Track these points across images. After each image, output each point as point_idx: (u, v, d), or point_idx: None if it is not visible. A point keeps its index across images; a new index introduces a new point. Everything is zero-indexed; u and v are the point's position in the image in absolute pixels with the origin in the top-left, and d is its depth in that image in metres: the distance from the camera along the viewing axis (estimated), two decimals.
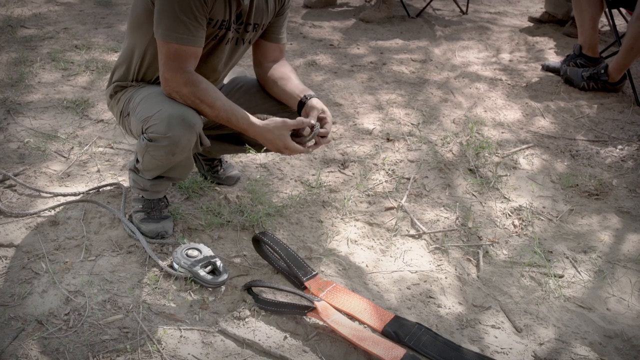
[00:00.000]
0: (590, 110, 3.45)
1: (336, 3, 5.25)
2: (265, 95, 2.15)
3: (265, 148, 2.18)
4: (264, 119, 1.95)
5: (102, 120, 2.95)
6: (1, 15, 4.35)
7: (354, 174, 2.69)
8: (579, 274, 2.15)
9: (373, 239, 2.26)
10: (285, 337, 1.76)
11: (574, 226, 2.42)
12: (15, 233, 2.10)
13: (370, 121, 3.16)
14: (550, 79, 3.83)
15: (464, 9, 5.28)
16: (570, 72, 3.71)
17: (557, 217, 2.47)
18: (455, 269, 2.13)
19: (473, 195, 2.58)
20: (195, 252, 1.95)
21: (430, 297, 1.98)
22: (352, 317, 1.85)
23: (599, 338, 1.86)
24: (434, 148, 2.91)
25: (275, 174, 2.63)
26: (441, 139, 3.00)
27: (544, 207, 2.52)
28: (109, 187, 2.40)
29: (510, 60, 4.21)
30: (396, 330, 1.79)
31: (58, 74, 3.44)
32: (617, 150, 3.01)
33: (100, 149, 2.70)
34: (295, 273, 1.95)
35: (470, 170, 2.76)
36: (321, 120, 1.99)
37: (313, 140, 1.98)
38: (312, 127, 1.94)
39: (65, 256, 2.01)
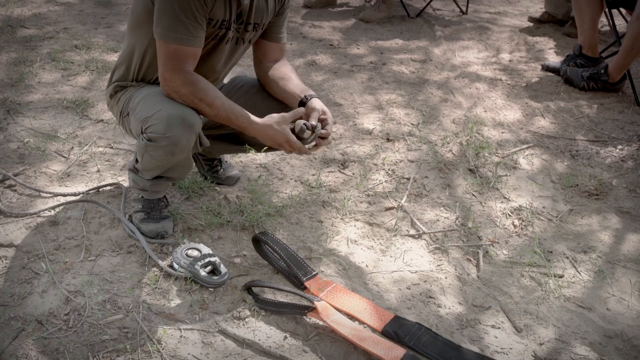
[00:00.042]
0: (590, 110, 3.45)
1: (336, 3, 5.25)
2: (265, 95, 2.15)
3: (265, 148, 2.19)
4: None
5: (102, 120, 2.95)
6: (1, 15, 4.35)
7: (353, 174, 2.69)
8: (579, 274, 2.15)
9: (373, 239, 2.26)
10: (285, 337, 1.76)
11: (574, 226, 2.42)
12: (15, 233, 2.10)
13: (370, 121, 3.16)
14: (550, 79, 3.83)
15: (463, 9, 5.28)
16: (570, 72, 3.71)
17: (557, 217, 2.47)
18: (455, 269, 2.13)
19: (473, 195, 2.58)
20: (195, 252, 1.95)
21: (430, 297, 1.98)
22: (352, 317, 1.85)
23: (599, 338, 1.86)
24: (433, 148, 2.91)
25: (275, 174, 2.63)
26: (441, 139, 3.00)
27: (544, 207, 2.52)
28: (108, 187, 2.40)
29: (510, 60, 4.21)
30: (396, 330, 1.79)
31: (58, 74, 3.44)
32: (617, 150, 3.01)
33: (100, 149, 2.70)
34: (295, 273, 1.95)
35: (470, 170, 2.76)
36: (322, 122, 1.99)
37: (314, 142, 1.98)
38: (313, 128, 1.93)
39: (65, 256, 2.01)
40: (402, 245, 2.24)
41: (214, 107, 1.89)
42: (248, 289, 1.89)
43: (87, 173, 2.52)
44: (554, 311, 1.96)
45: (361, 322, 1.84)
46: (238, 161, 2.69)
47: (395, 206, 2.46)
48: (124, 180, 2.45)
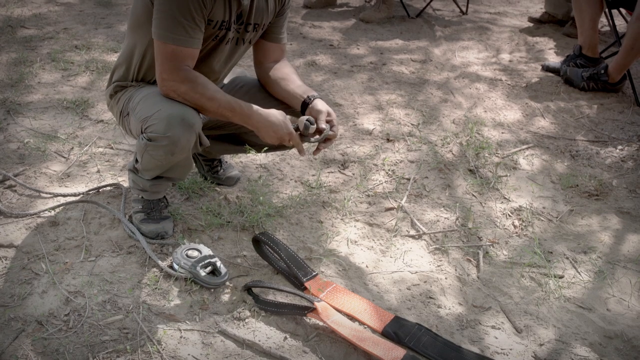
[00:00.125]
0: (590, 111, 3.45)
1: (336, 3, 5.25)
2: (266, 95, 2.15)
3: (265, 148, 2.19)
4: None
5: (102, 121, 2.95)
6: (1, 15, 4.35)
7: (354, 174, 2.69)
8: (579, 274, 2.15)
9: (373, 240, 2.26)
10: (286, 338, 1.76)
11: (574, 227, 2.42)
12: (15, 233, 2.10)
13: (370, 121, 3.16)
14: (550, 79, 3.83)
15: (463, 9, 5.28)
16: (570, 72, 3.71)
17: (557, 217, 2.47)
18: (455, 270, 2.13)
19: (473, 195, 2.58)
20: (195, 253, 1.95)
21: (430, 298, 1.98)
22: (352, 318, 1.85)
23: (599, 339, 1.86)
24: (434, 148, 2.91)
25: (275, 175, 2.63)
26: (441, 140, 3.00)
27: (544, 208, 2.52)
28: (108, 188, 2.40)
29: (510, 61, 4.21)
30: (396, 330, 1.79)
31: (58, 74, 3.44)
32: (617, 150, 3.01)
33: (100, 150, 2.70)
34: (295, 274, 1.95)
35: (470, 170, 2.76)
36: (327, 123, 2.00)
37: (315, 143, 1.98)
38: (320, 130, 1.94)
39: (65, 257, 2.01)
40: (402, 246, 2.24)
41: (215, 100, 1.88)
42: (248, 289, 1.89)
43: (87, 173, 2.52)
44: (554, 312, 1.96)
45: (361, 323, 1.84)
46: (238, 161, 2.69)
47: (396, 207, 2.46)
48: (124, 180, 2.45)
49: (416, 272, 2.10)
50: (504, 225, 2.41)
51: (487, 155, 2.87)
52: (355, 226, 2.32)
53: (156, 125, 1.85)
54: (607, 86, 3.60)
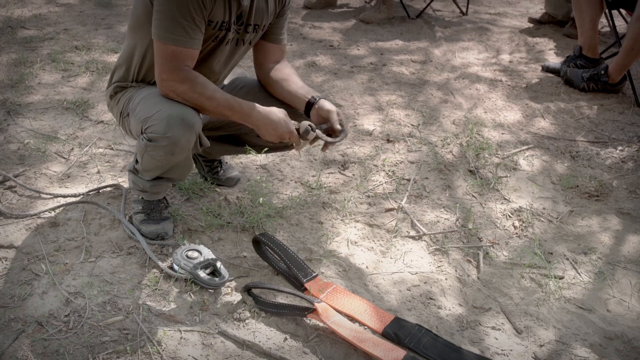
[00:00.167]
0: (590, 112, 3.45)
1: (336, 4, 5.25)
2: (267, 95, 2.15)
3: (266, 149, 2.19)
4: None
5: (102, 122, 2.95)
6: (1, 16, 4.35)
7: (354, 175, 2.69)
8: (579, 275, 2.15)
9: (373, 240, 2.26)
10: (286, 339, 1.76)
11: (574, 227, 2.42)
12: (16, 234, 2.10)
13: (370, 122, 3.16)
14: (550, 80, 3.83)
15: (464, 10, 5.28)
16: (571, 73, 3.71)
17: (557, 218, 2.47)
18: (456, 271, 2.13)
19: (473, 196, 2.58)
20: (196, 254, 1.95)
21: (431, 299, 1.98)
22: (352, 319, 1.85)
23: (599, 339, 1.86)
24: (434, 149, 2.91)
25: (275, 175, 2.63)
26: (441, 140, 3.00)
27: (544, 209, 2.52)
28: (109, 189, 2.40)
29: (510, 61, 4.21)
30: (396, 331, 1.79)
31: (58, 75, 3.44)
32: (617, 151, 3.01)
33: (100, 150, 2.70)
34: (296, 274, 1.95)
35: (470, 171, 2.76)
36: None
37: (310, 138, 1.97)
38: (336, 130, 1.96)
39: (65, 257, 2.01)
40: (403, 247, 2.24)
41: (214, 99, 1.88)
42: (248, 290, 1.89)
43: (87, 174, 2.52)
44: (554, 313, 1.96)
45: (361, 324, 1.84)
46: (238, 162, 2.69)
47: (396, 207, 2.46)
48: (124, 181, 2.45)
49: (416, 273, 2.10)
50: (504, 226, 2.41)
51: (487, 156, 2.87)
52: (355, 227, 2.32)
53: (156, 125, 1.85)
54: (607, 87, 3.60)
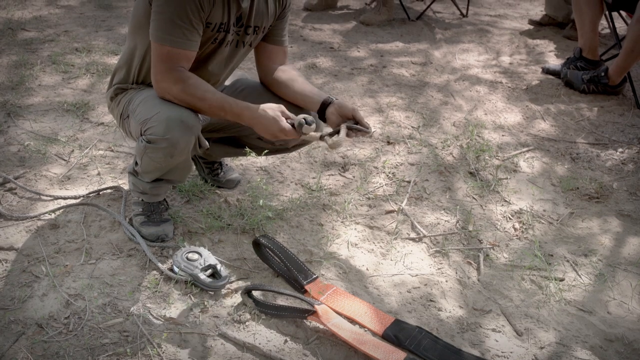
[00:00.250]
0: (590, 113, 3.45)
1: (336, 6, 5.25)
2: (272, 95, 2.13)
3: (266, 151, 2.19)
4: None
5: (102, 123, 2.95)
6: (2, 18, 4.36)
7: (354, 177, 2.69)
8: (580, 277, 2.15)
9: (373, 242, 2.26)
10: (286, 341, 1.76)
11: (574, 229, 2.42)
12: (16, 236, 2.10)
13: (370, 124, 3.16)
14: (551, 82, 3.83)
15: (464, 11, 5.28)
16: (571, 74, 3.71)
17: (557, 220, 2.46)
18: (456, 273, 2.13)
19: (473, 198, 2.58)
20: (196, 256, 1.94)
21: (431, 301, 1.98)
22: (352, 321, 1.85)
23: (600, 342, 1.86)
24: (434, 151, 2.91)
25: (275, 177, 2.63)
26: (441, 142, 3.00)
27: (544, 211, 2.52)
28: (109, 190, 2.40)
29: (510, 63, 4.21)
30: (397, 333, 1.79)
31: (58, 77, 3.44)
32: (618, 153, 3.01)
33: (101, 152, 2.70)
34: (296, 276, 1.95)
35: (470, 173, 2.76)
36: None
37: (344, 133, 1.92)
38: (367, 126, 1.95)
39: (65, 259, 2.01)
40: (403, 249, 2.23)
41: (206, 100, 1.88)
42: (248, 292, 1.89)
43: (88, 176, 2.52)
44: (554, 315, 1.96)
45: (362, 326, 1.84)
46: (238, 164, 2.69)
47: (396, 209, 2.46)
48: (125, 183, 2.45)
49: (416, 275, 2.10)
50: (505, 228, 2.41)
51: (487, 157, 2.87)
52: (355, 229, 2.32)
53: (155, 127, 1.86)
54: (608, 89, 3.60)
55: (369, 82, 3.72)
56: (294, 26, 4.66)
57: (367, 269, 2.11)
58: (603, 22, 4.29)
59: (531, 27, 4.94)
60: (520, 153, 2.96)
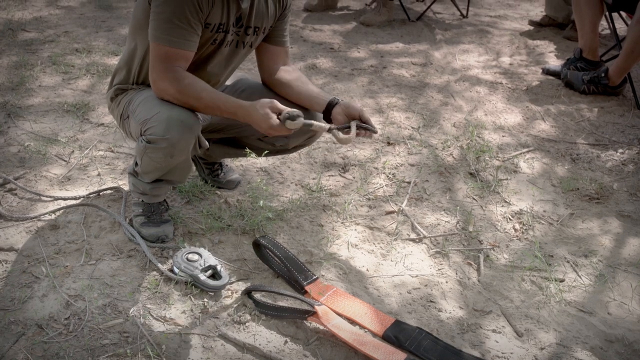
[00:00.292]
0: (590, 114, 3.45)
1: (337, 6, 5.25)
2: (274, 95, 2.13)
3: (266, 152, 2.19)
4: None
5: (102, 124, 2.95)
6: (2, 18, 4.36)
7: (354, 177, 2.69)
8: (580, 278, 2.15)
9: (373, 243, 2.26)
10: (286, 342, 1.76)
11: (574, 230, 2.42)
12: (16, 237, 2.10)
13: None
14: (551, 83, 3.83)
15: (464, 12, 5.28)
16: (571, 75, 3.71)
17: (557, 221, 2.46)
18: (456, 273, 2.13)
19: (474, 199, 2.58)
20: (196, 256, 1.94)
21: (431, 302, 1.98)
22: (352, 322, 1.85)
23: (600, 342, 1.86)
24: (434, 152, 2.91)
25: (275, 178, 2.63)
26: (442, 143, 3.00)
27: (544, 211, 2.52)
28: (109, 191, 2.40)
29: (510, 64, 4.21)
30: (397, 334, 1.79)
31: (59, 78, 3.44)
32: (618, 153, 3.01)
33: (101, 153, 2.70)
34: (296, 277, 1.95)
35: (470, 174, 2.76)
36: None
37: (354, 131, 1.95)
38: (374, 128, 1.99)
39: (65, 260, 2.01)
40: (403, 249, 2.23)
41: (202, 99, 1.88)
42: (248, 293, 1.89)
43: (88, 177, 2.52)
44: (554, 315, 1.96)
45: (362, 327, 1.83)
46: (238, 165, 2.69)
47: (396, 210, 2.46)
48: (125, 184, 2.45)
49: (417, 276, 2.10)
50: (505, 228, 2.41)
51: (487, 158, 2.87)
52: (355, 230, 2.32)
53: (155, 127, 1.86)
54: (608, 89, 3.60)
55: (369, 82, 3.72)
56: (294, 27, 4.66)
57: (367, 270, 2.11)
58: (603, 23, 4.29)
59: (531, 27, 4.94)
60: (521, 154, 2.96)
